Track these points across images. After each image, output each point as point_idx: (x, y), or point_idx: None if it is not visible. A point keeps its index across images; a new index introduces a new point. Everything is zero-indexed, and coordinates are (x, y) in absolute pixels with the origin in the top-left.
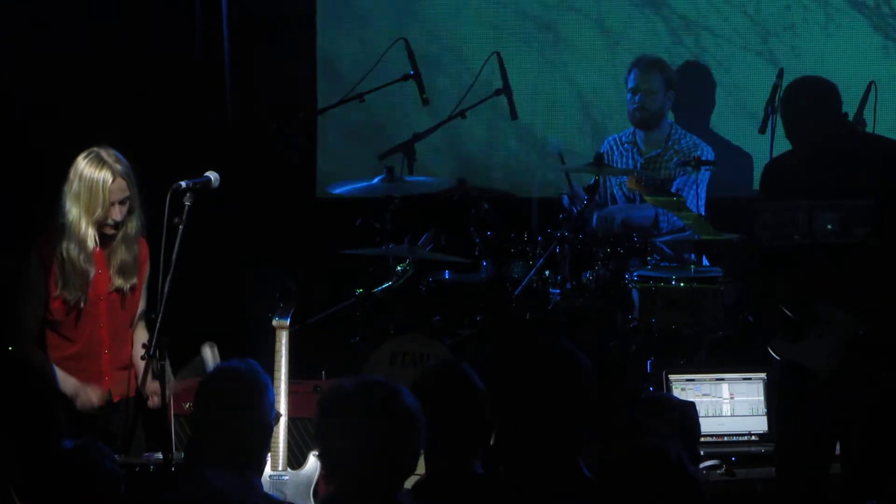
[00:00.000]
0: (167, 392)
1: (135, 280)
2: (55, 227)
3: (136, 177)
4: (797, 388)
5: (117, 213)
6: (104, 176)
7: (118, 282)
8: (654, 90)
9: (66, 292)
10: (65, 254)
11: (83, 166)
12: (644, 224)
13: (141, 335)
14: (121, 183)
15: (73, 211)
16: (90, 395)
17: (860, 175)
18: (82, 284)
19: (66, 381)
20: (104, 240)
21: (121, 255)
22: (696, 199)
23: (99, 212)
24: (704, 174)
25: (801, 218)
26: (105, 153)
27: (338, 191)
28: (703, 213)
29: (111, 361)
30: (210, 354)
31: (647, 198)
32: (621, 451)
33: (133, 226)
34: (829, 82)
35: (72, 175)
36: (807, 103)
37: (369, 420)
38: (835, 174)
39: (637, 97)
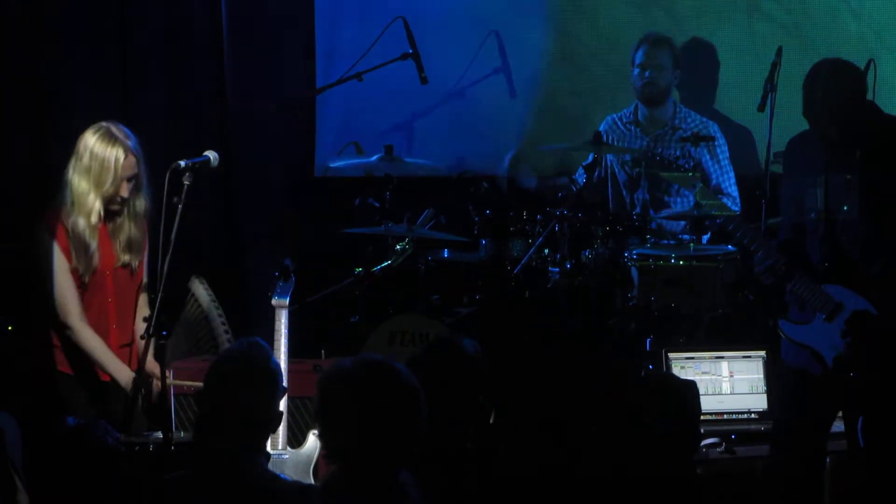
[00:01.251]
0: (166, 371)
1: (141, 256)
2: (62, 201)
3: (144, 153)
4: (802, 370)
5: (125, 190)
6: (116, 152)
7: (125, 257)
8: (663, 66)
9: (78, 265)
10: (72, 228)
11: (94, 141)
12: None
13: (143, 310)
14: (132, 160)
15: (83, 185)
16: (128, 375)
17: (878, 155)
18: (86, 258)
19: (116, 365)
20: (109, 215)
21: (128, 231)
22: (720, 170)
23: (109, 188)
24: (715, 150)
25: (815, 195)
26: (115, 129)
27: (336, 164)
28: (733, 193)
29: (117, 337)
30: (202, 289)
31: (663, 174)
32: (622, 429)
33: (140, 203)
34: (854, 66)
35: (81, 149)
36: (826, 85)
37: (370, 400)
38: (853, 154)
39: (647, 73)
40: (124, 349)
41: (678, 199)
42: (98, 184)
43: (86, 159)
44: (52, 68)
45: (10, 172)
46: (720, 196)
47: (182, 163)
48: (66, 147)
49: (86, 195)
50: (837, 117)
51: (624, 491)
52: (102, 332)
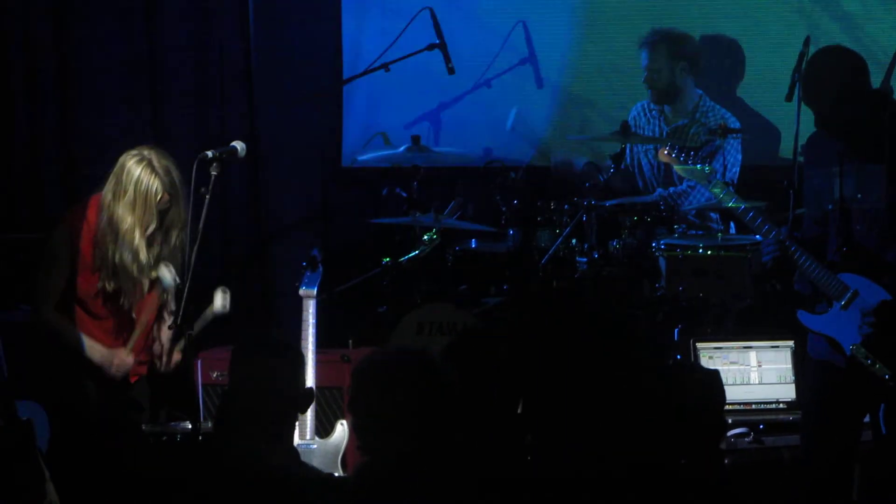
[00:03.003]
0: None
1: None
2: (98, 216)
3: (184, 186)
4: (824, 359)
5: (156, 222)
6: (156, 187)
7: (153, 274)
8: (658, 68)
9: (109, 284)
10: (116, 258)
11: (137, 173)
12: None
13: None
14: (165, 198)
15: (128, 220)
16: (123, 359)
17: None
18: (138, 293)
19: (93, 349)
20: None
21: (158, 252)
22: (724, 168)
23: (152, 226)
24: (734, 144)
25: (831, 186)
26: (157, 161)
27: (363, 157)
28: (734, 181)
29: (138, 347)
30: (221, 300)
31: (676, 168)
32: (651, 416)
33: (178, 238)
34: (853, 52)
35: (125, 179)
36: (828, 75)
37: (405, 391)
38: (865, 143)
39: (645, 75)
40: (143, 360)
41: (700, 187)
42: (141, 221)
43: (130, 193)
44: (79, 52)
45: (36, 161)
46: None
47: (209, 153)
48: (92, 135)
49: (132, 232)
50: (837, 103)
51: (651, 482)
52: (125, 338)
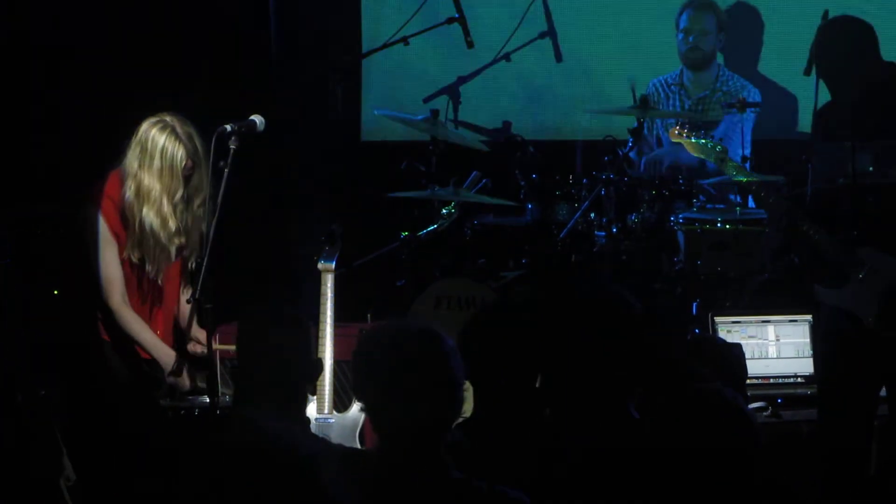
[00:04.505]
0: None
1: (198, 254)
2: (123, 188)
3: (205, 151)
4: (841, 333)
5: (183, 190)
6: (181, 154)
7: (177, 241)
8: (707, 30)
9: (134, 254)
10: (143, 224)
11: (163, 141)
12: (692, 165)
13: (185, 291)
14: (189, 164)
15: (156, 188)
16: (185, 378)
17: None
18: (163, 260)
19: (159, 348)
20: None
21: (190, 233)
22: (742, 141)
23: (178, 193)
24: (750, 116)
25: (843, 160)
26: (180, 128)
27: (382, 112)
28: (747, 155)
29: (164, 321)
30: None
31: (687, 146)
32: (675, 393)
33: (200, 205)
34: (863, 21)
35: (150, 147)
36: (841, 46)
37: (401, 375)
38: (877, 115)
39: (691, 38)
40: (169, 333)
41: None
42: (168, 190)
43: (157, 161)
44: (94, 28)
45: (57, 133)
46: None
47: (228, 127)
48: (114, 109)
49: (159, 199)
50: (849, 73)
51: (677, 457)
52: (150, 316)
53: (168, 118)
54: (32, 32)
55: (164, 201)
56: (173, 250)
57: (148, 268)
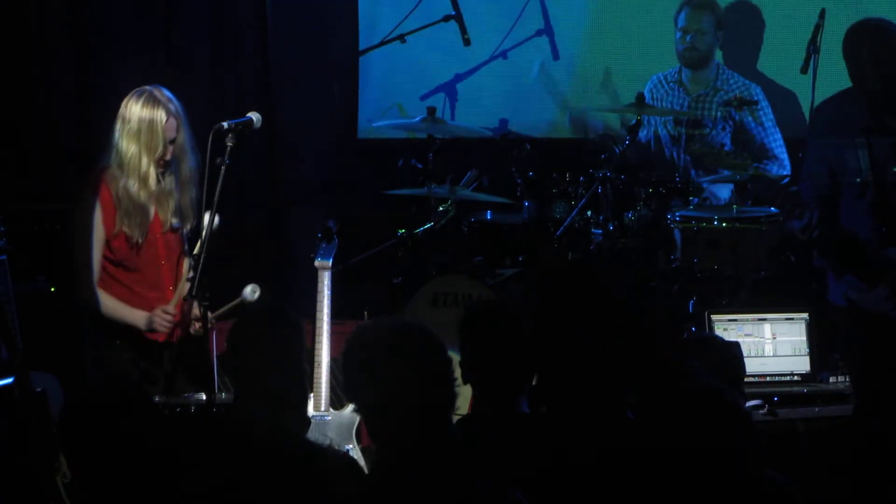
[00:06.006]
0: (208, 332)
1: (193, 221)
2: (109, 166)
3: (187, 117)
4: (867, 333)
5: (168, 153)
6: (160, 114)
7: (174, 221)
8: (704, 30)
9: (126, 228)
10: (122, 191)
11: (139, 106)
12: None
13: (187, 275)
14: (172, 122)
15: (132, 149)
16: (162, 315)
17: None
18: (142, 221)
19: (133, 315)
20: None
21: (176, 196)
22: (765, 133)
23: (159, 150)
24: (767, 113)
25: (849, 157)
26: (158, 92)
27: (379, 123)
28: (781, 156)
29: (172, 282)
30: (250, 294)
31: (711, 160)
32: (672, 392)
33: (186, 168)
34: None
35: (128, 114)
36: (872, 41)
37: (387, 376)
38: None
39: (688, 37)
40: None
41: None
42: (148, 147)
43: (134, 123)
44: (95, 24)
45: (55, 131)
46: (766, 161)
47: (225, 124)
48: (109, 107)
49: (137, 159)
50: (885, 74)
51: (674, 456)
52: (160, 296)
53: (146, 87)
54: (33, 32)
55: (143, 161)
56: (152, 210)
57: (126, 230)
